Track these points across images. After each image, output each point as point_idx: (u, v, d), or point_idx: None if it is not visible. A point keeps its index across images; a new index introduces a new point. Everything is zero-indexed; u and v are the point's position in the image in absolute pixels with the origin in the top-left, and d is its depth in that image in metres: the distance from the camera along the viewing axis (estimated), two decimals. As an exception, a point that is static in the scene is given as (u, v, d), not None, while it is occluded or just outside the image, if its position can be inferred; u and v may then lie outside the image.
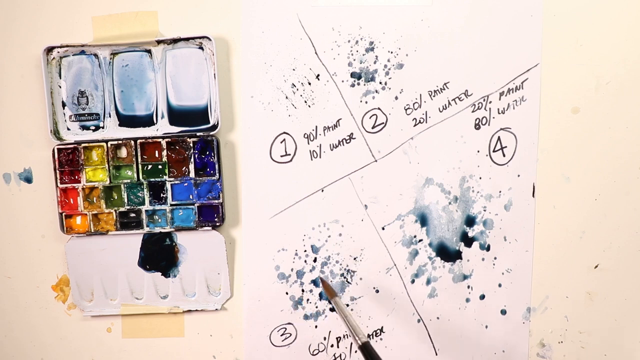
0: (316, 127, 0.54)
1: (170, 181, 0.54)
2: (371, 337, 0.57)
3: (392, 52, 0.53)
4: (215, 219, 0.54)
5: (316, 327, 0.57)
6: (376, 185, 0.55)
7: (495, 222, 0.56)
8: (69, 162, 0.53)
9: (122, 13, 0.53)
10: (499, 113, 0.55)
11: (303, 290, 0.56)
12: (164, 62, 0.53)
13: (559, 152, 0.55)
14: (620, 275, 0.57)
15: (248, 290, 0.56)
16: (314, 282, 0.56)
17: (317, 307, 0.56)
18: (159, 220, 0.55)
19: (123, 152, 0.54)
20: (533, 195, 0.56)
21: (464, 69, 0.54)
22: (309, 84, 0.54)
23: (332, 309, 0.56)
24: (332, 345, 0.57)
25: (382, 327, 0.57)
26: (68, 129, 0.54)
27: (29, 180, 0.55)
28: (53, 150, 0.53)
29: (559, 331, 0.58)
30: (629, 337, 0.58)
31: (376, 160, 0.55)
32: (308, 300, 0.56)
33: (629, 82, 0.54)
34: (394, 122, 0.54)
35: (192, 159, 0.53)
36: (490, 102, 0.54)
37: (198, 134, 0.53)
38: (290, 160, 0.55)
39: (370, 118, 0.54)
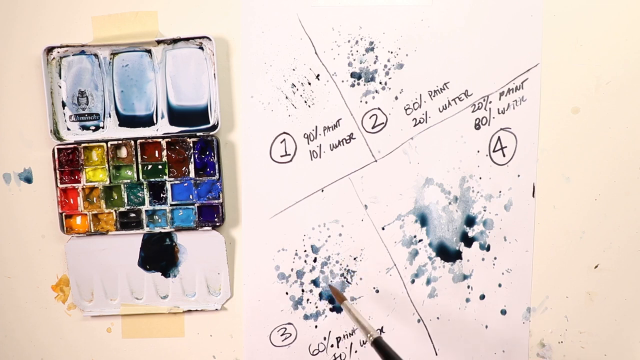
0: (316, 127, 0.54)
1: (170, 181, 0.54)
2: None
3: (392, 52, 0.53)
4: (215, 219, 0.54)
5: (316, 327, 0.57)
6: (376, 185, 0.55)
7: (495, 222, 0.56)
8: (69, 162, 0.53)
9: (122, 13, 0.53)
10: (499, 113, 0.55)
11: (303, 290, 0.56)
12: (164, 62, 0.53)
13: (559, 152, 0.55)
14: (620, 275, 0.57)
15: (248, 290, 0.56)
16: (314, 282, 0.56)
17: (317, 307, 0.56)
18: (159, 220, 0.55)
19: (123, 152, 0.54)
20: (533, 195, 0.56)
21: (464, 69, 0.54)
22: (309, 84, 0.54)
23: (332, 309, 0.56)
24: (332, 345, 0.57)
25: (382, 327, 0.57)
26: (68, 129, 0.54)
27: (29, 180, 0.55)
28: (53, 150, 0.53)
29: (559, 331, 0.58)
30: (629, 337, 0.58)
31: (376, 160, 0.55)
32: (308, 300, 0.56)
33: (629, 82, 0.54)
34: (394, 122, 0.54)
35: (192, 159, 0.53)
36: (490, 102, 0.54)
37: (198, 134, 0.53)
38: (290, 160, 0.55)
39: (370, 118, 0.54)
